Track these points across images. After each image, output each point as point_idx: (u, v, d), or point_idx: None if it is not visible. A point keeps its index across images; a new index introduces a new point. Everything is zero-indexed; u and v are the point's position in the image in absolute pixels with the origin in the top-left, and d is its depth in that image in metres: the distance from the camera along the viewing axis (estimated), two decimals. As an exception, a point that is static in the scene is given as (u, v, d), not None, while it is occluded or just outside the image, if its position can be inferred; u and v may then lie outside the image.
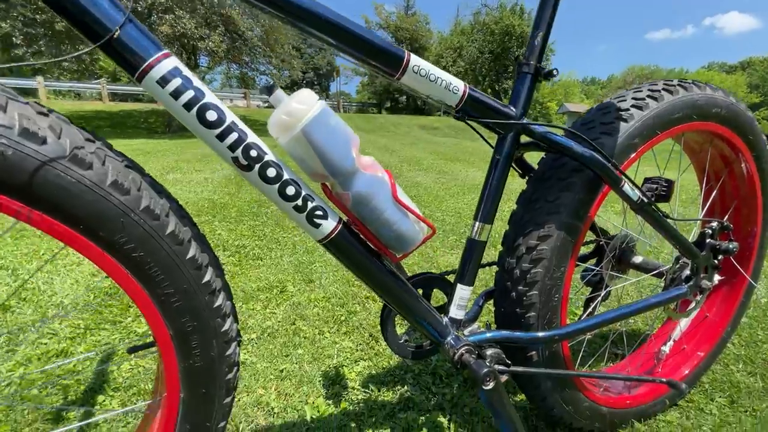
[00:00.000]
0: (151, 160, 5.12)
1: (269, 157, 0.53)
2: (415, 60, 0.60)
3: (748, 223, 1.01)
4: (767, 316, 1.51)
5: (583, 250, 1.08)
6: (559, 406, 0.86)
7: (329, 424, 0.97)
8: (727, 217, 1.00)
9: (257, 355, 1.23)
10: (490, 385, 0.65)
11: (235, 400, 1.04)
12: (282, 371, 1.16)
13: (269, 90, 0.54)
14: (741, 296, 1.09)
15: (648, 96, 0.78)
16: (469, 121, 0.69)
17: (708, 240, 0.85)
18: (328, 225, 0.58)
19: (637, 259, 0.98)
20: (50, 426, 0.93)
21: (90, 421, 0.95)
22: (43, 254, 1.92)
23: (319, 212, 0.57)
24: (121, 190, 0.46)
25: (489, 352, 0.75)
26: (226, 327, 0.57)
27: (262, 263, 1.94)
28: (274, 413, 1.01)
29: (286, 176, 0.54)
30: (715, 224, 0.84)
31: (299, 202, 0.56)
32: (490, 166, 0.73)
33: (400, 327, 1.36)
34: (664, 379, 0.75)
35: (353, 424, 0.97)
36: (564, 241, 0.74)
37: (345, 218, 0.62)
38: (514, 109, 0.70)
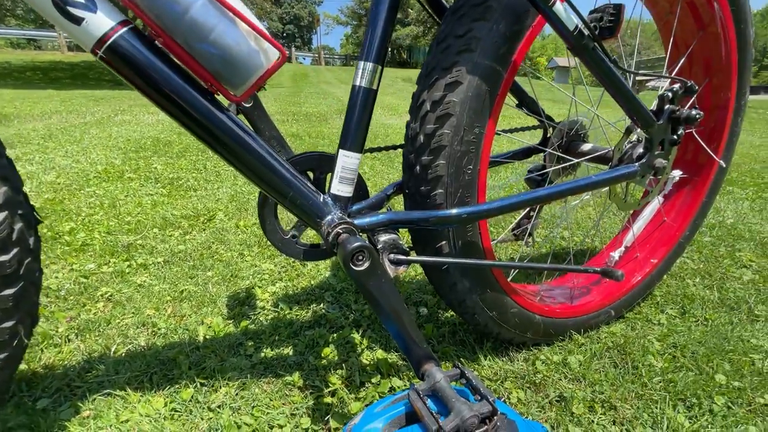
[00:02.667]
0: (102, 105, 4.70)
1: None
2: None
3: (719, 93, 0.85)
4: (731, 236, 1.41)
5: (527, 140, 0.91)
6: (482, 311, 0.73)
7: (221, 343, 0.83)
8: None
9: (158, 278, 1.06)
10: (363, 265, 0.49)
11: (118, 321, 0.89)
12: (182, 292, 1.01)
13: None
14: (704, 196, 0.95)
15: None
16: None
17: (667, 105, 0.68)
18: (99, 24, 0.39)
19: (586, 146, 0.82)
20: None
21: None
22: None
23: (79, 1, 0.38)
24: None
25: (382, 238, 0.59)
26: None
27: (195, 194, 1.74)
28: (160, 333, 0.86)
29: None
30: (677, 86, 0.67)
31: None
32: (376, -14, 0.53)
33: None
34: (598, 269, 0.61)
35: (250, 343, 0.84)
36: (479, 91, 0.57)
37: (142, 23, 0.42)
38: None
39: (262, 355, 0.81)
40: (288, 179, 0.54)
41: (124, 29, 0.41)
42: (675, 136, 0.70)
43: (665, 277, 1.10)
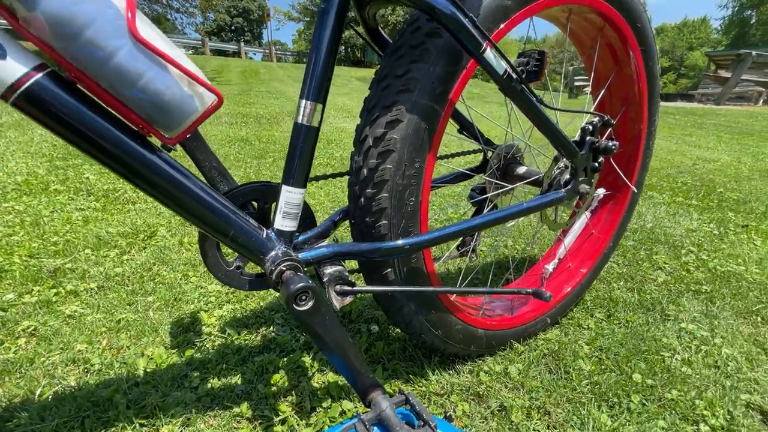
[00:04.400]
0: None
1: None
2: None
3: (633, 126, 0.95)
4: (650, 239, 1.57)
5: (470, 163, 0.96)
6: (428, 331, 0.76)
7: (163, 376, 0.80)
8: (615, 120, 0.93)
9: (90, 306, 0.99)
10: (306, 305, 0.50)
11: (43, 359, 0.82)
12: (119, 321, 0.95)
13: None
14: (624, 209, 1.06)
15: (525, -53, 0.62)
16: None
17: (588, 137, 0.75)
18: (11, 70, 0.36)
19: (521, 169, 0.88)
20: None
21: None
22: None
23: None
24: None
25: (328, 270, 0.60)
26: None
27: (133, 207, 1.63)
28: (93, 371, 0.80)
29: None
30: (596, 119, 0.74)
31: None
32: (316, 22, 0.53)
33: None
34: (530, 290, 0.67)
35: (195, 374, 0.81)
36: (418, 129, 0.59)
37: (65, 70, 0.40)
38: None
39: (209, 386, 0.78)
40: (228, 217, 0.53)
41: (40, 75, 0.38)
42: (596, 164, 0.78)
43: (595, 282, 1.21)
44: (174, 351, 0.87)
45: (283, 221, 0.58)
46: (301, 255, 0.58)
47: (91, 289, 1.07)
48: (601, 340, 0.97)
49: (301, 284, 0.49)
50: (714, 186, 2.43)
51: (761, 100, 10.17)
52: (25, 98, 0.38)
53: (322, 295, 0.52)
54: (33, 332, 0.90)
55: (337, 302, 0.59)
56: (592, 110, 0.77)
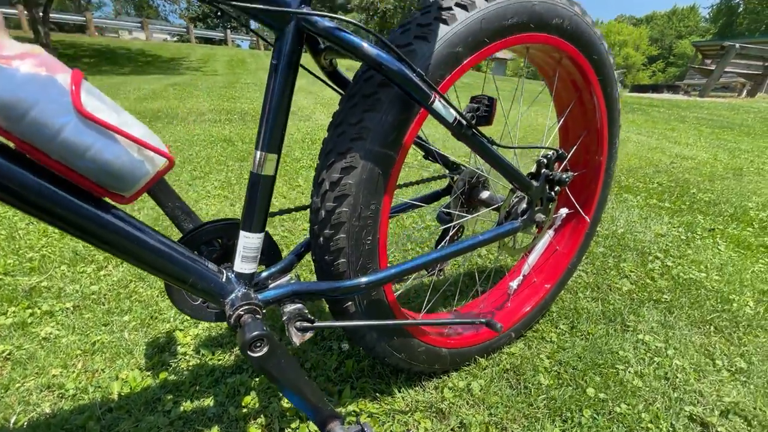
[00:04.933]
0: None
1: None
2: None
3: (594, 154, 0.99)
4: (620, 246, 1.63)
5: (437, 186, 0.99)
6: (391, 355, 0.80)
7: (137, 400, 0.82)
8: (575, 147, 0.96)
9: (66, 328, 1.01)
10: (261, 352, 0.53)
11: (18, 386, 0.84)
12: (95, 344, 0.97)
13: None
14: (587, 227, 1.10)
15: (477, -7, 0.64)
16: (225, 8, 0.49)
17: (543, 170, 0.78)
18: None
19: (484, 194, 0.91)
20: None
21: None
22: None
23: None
24: None
25: (288, 308, 0.62)
26: None
27: (112, 217, 1.63)
28: (68, 396, 0.83)
29: None
30: (550, 153, 0.77)
31: None
32: (269, 76, 0.55)
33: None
34: (483, 320, 0.70)
35: (168, 396, 0.84)
36: (372, 174, 0.61)
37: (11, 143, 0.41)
38: (289, -7, 0.51)
39: (181, 409, 0.81)
40: (186, 265, 0.55)
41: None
42: (552, 193, 0.81)
43: (562, 292, 1.26)
44: (148, 373, 0.90)
45: (242, 264, 0.60)
46: (261, 295, 0.61)
47: (67, 308, 1.08)
48: (561, 353, 1.02)
49: (255, 332, 0.52)
50: (688, 186, 2.50)
51: (744, 92, 10.33)
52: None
53: (276, 341, 0.55)
54: (8, 356, 0.92)
55: (296, 338, 0.62)
56: (547, 144, 0.80)
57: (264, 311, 0.59)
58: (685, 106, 7.57)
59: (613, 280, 1.37)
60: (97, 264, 1.30)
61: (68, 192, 0.45)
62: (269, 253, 0.71)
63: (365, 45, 0.53)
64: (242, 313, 0.56)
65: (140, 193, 0.48)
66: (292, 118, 4.04)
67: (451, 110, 0.60)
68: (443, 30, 0.61)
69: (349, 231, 0.63)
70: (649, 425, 0.82)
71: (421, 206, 0.96)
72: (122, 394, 0.84)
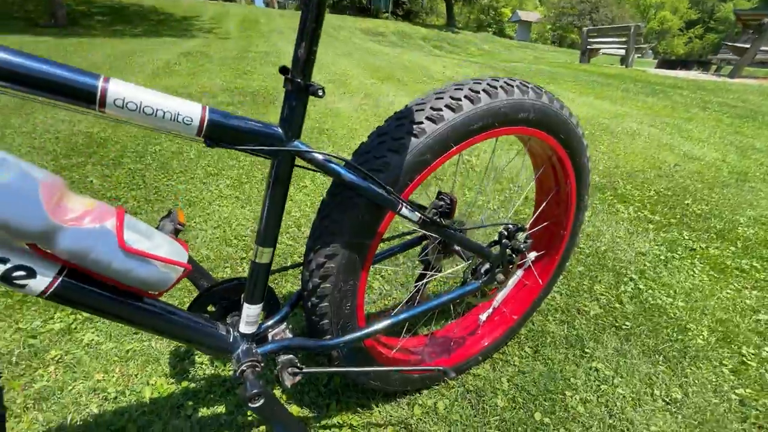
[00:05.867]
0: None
1: None
2: (117, 90, 0.49)
3: (561, 222, 1.10)
4: (599, 266, 1.74)
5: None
6: (369, 383, 0.97)
7: (165, 404, 1.02)
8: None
9: (104, 334, 1.21)
10: (258, 403, 0.70)
11: (70, 388, 1.05)
12: (128, 351, 1.16)
13: None
14: (556, 264, 1.22)
15: (446, 106, 0.74)
16: (226, 148, 0.61)
17: (503, 240, 0.91)
18: (39, 283, 0.53)
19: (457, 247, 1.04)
20: None
21: None
22: None
23: (19, 273, 0.51)
24: None
25: (282, 358, 0.79)
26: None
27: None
28: (110, 398, 1.03)
29: (-45, 245, 0.46)
30: (510, 227, 0.89)
31: (-14, 267, 0.49)
32: (266, 186, 0.68)
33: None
34: (439, 368, 0.86)
35: (190, 402, 1.03)
36: (350, 259, 0.75)
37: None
38: (280, 130, 0.63)
39: (200, 415, 1.01)
40: (200, 330, 0.71)
41: (62, 278, 0.54)
42: (512, 257, 0.94)
43: (534, 314, 1.40)
44: (173, 380, 1.10)
45: (245, 327, 0.76)
46: (260, 349, 0.77)
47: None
48: (520, 377, 1.18)
49: (254, 390, 0.69)
50: (685, 195, 2.55)
51: (781, 71, 9.72)
52: (58, 297, 0.55)
53: (269, 394, 0.71)
54: (59, 360, 1.12)
55: (288, 382, 0.79)
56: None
57: (262, 364, 0.76)
58: (711, 89, 7.25)
59: (584, 303, 1.51)
60: (125, 270, 1.48)
61: (119, 294, 0.60)
62: (269, 302, 0.87)
63: (343, 172, 0.65)
64: (245, 368, 0.73)
65: (165, 292, 0.64)
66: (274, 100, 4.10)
67: (416, 213, 0.72)
68: (414, 142, 0.72)
69: (331, 300, 0.78)
70: (580, 449, 1.00)
71: (402, 253, 1.09)
72: (152, 398, 1.04)
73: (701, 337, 1.38)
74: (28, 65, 0.45)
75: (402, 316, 0.84)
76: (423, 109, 0.74)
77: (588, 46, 11.12)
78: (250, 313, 0.75)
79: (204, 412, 1.02)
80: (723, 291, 1.64)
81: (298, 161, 0.67)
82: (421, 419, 1.04)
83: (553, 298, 1.52)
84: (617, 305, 1.51)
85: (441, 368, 0.84)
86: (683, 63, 11.31)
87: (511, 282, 1.21)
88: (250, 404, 0.69)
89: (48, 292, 0.54)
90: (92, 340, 1.19)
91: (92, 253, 0.53)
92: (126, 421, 0.97)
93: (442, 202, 0.82)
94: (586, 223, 2.10)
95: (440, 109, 0.73)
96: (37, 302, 1.30)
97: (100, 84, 0.48)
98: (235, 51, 7.17)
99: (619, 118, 4.48)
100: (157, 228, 0.68)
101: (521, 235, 0.93)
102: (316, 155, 0.64)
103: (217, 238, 1.73)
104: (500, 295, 1.20)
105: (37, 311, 1.27)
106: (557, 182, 1.07)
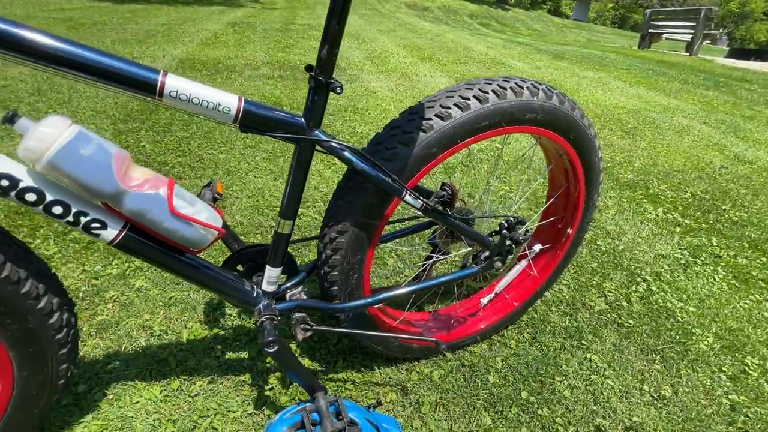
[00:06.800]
0: (86, 37, 4.58)
1: (25, 183, 0.58)
2: (172, 83, 0.61)
3: (568, 219, 1.14)
4: (612, 264, 1.76)
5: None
6: (371, 346, 1.09)
7: (199, 345, 1.20)
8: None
9: (152, 282, 1.40)
10: (273, 349, 0.83)
11: (124, 323, 1.25)
12: (171, 298, 1.35)
13: (11, 120, 0.56)
14: (560, 259, 1.28)
15: (455, 104, 0.81)
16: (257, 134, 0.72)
17: (503, 231, 0.98)
18: (109, 233, 0.67)
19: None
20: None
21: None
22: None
23: (95, 224, 0.65)
24: None
25: (296, 315, 0.92)
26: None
27: (181, 183, 2.00)
28: (155, 335, 1.22)
29: (49, 198, 0.61)
30: (511, 219, 0.96)
31: (70, 218, 0.63)
32: (290, 167, 0.79)
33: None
34: (433, 339, 0.96)
35: (219, 347, 1.21)
36: (359, 236, 0.86)
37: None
38: (303, 120, 0.73)
39: (227, 357, 1.18)
40: (233, 286, 0.85)
41: (125, 232, 0.69)
42: (512, 247, 1.01)
43: (538, 303, 1.46)
44: (206, 326, 1.27)
45: (267, 286, 0.89)
46: (278, 306, 0.90)
47: (147, 267, 1.48)
48: (514, 359, 1.27)
49: (270, 338, 0.82)
50: (723, 200, 2.44)
51: None
52: (120, 246, 0.69)
53: (282, 342, 0.85)
54: (116, 300, 1.33)
55: (300, 335, 0.92)
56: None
57: (279, 318, 0.89)
58: (785, 85, 6.59)
59: (590, 298, 1.55)
60: (170, 229, 1.68)
61: (166, 248, 0.74)
62: (288, 265, 1.00)
63: (354, 160, 0.75)
64: (264, 320, 0.86)
65: (205, 249, 0.77)
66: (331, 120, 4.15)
67: (419, 201, 0.81)
68: (422, 136, 0.80)
69: (341, 270, 0.89)
70: (559, 427, 1.08)
71: (411, 235, 1.18)
72: (189, 339, 1.23)
73: (705, 342, 1.40)
74: (106, 62, 0.57)
75: (401, 290, 0.95)
76: (433, 107, 0.81)
77: (649, 30, 10.29)
78: (272, 274, 0.88)
79: (230, 355, 1.19)
80: (741, 301, 1.62)
81: (318, 148, 0.77)
82: (416, 384, 1.16)
83: (560, 291, 1.57)
84: (624, 304, 1.54)
85: (434, 339, 0.94)
86: (759, 53, 10.22)
87: (515, 271, 1.28)
88: (266, 349, 0.83)
89: (115, 242, 0.68)
90: (142, 285, 1.39)
91: (148, 214, 0.67)
92: (167, 354, 1.16)
93: (444, 192, 0.90)
94: (608, 220, 2.09)
95: (449, 107, 0.80)
96: (98, 249, 1.52)
97: (160, 78, 0.60)
98: (280, 22, 7.28)
99: (669, 113, 4.24)
100: (198, 195, 0.82)
101: (521, 228, 1.00)
102: (333, 144, 0.74)
103: (251, 206, 1.89)
104: (503, 282, 1.28)
105: (98, 257, 1.49)
106: (567, 179, 1.11)
